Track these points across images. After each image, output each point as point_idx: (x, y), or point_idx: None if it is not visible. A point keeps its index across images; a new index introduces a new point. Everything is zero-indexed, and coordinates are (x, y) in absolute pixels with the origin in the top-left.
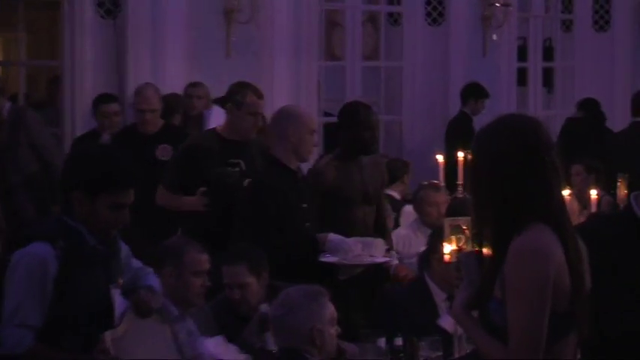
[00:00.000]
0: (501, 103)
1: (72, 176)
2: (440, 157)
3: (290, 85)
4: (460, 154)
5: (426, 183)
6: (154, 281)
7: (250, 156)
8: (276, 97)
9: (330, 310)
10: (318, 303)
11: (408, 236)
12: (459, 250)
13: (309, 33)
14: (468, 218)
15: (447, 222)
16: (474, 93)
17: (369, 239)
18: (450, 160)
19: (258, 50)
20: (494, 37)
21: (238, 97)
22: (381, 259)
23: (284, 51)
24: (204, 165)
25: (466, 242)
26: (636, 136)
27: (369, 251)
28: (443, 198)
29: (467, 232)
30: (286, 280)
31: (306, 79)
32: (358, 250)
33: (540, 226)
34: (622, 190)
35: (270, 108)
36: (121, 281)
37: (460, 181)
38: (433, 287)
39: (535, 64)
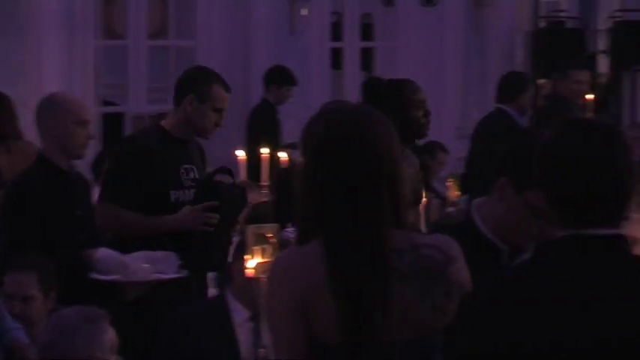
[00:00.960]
0: (312, 89)
1: None
2: (241, 154)
3: (61, 69)
4: (264, 150)
5: None
6: (25, 338)
7: (197, 159)
8: (45, 83)
9: (110, 335)
10: (97, 327)
11: None
12: (265, 263)
13: (83, 6)
14: (275, 225)
15: (250, 230)
16: (276, 78)
17: (158, 253)
18: (253, 157)
19: (23, 26)
20: (304, 11)
21: (204, 87)
22: (169, 276)
23: (54, 28)
24: (155, 171)
25: (273, 253)
26: (501, 124)
27: (156, 267)
28: None
29: (273, 241)
30: (59, 303)
31: (80, 62)
32: (138, 266)
33: (310, 244)
34: (453, 192)
35: (37, 95)
36: None
37: (264, 182)
38: (235, 305)
39: (352, 43)
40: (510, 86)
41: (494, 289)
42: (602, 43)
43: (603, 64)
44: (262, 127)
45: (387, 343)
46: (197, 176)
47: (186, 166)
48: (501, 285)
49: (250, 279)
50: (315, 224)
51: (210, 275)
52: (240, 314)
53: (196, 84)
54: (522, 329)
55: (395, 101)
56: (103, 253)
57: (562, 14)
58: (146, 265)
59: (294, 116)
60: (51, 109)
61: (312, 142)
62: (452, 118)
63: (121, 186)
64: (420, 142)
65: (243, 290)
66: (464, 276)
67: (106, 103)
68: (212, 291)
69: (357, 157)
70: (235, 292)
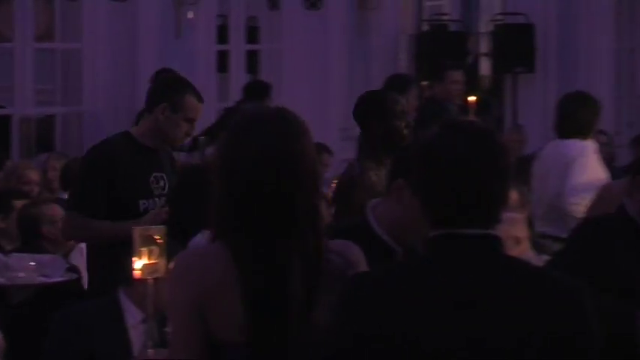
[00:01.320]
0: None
1: None
2: None
3: None
4: None
5: None
6: None
7: (168, 167)
8: None
9: None
10: None
11: None
12: (152, 265)
13: None
14: (162, 227)
15: (137, 232)
16: None
17: (46, 256)
18: None
19: None
20: (190, 14)
21: (177, 97)
22: (55, 279)
23: None
24: (123, 180)
25: (160, 255)
26: None
27: (42, 270)
28: None
29: (160, 242)
30: None
31: None
32: (23, 266)
33: (213, 244)
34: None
35: None
36: None
37: None
38: (128, 307)
39: (237, 46)
40: (393, 88)
41: (375, 283)
42: (484, 46)
43: (485, 67)
44: None
45: (291, 344)
46: (167, 184)
47: (156, 174)
48: (381, 280)
49: (141, 280)
50: (228, 224)
51: None
52: (133, 316)
53: (170, 93)
54: (399, 325)
55: (377, 112)
56: None
57: (445, 17)
58: (32, 264)
59: None
60: None
61: (232, 143)
62: (336, 119)
63: (86, 195)
64: None
65: (139, 291)
66: None
67: None
68: None
69: (275, 159)
70: (130, 294)
